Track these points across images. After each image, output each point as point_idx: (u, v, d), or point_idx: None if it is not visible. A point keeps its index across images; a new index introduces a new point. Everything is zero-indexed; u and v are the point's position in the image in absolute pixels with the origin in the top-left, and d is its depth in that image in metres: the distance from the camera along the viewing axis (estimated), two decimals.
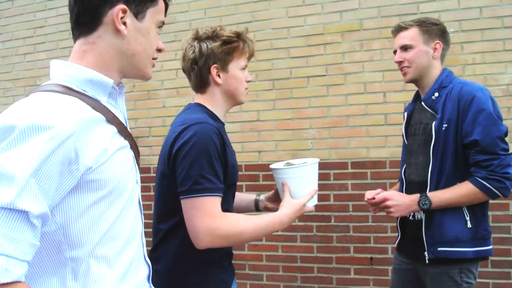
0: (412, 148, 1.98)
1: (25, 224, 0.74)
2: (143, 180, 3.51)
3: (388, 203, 1.81)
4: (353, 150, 3.05)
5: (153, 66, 1.06)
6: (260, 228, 1.46)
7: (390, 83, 2.96)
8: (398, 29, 1.94)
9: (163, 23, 1.05)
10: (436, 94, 1.87)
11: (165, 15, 1.07)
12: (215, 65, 1.51)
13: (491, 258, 2.80)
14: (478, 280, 2.80)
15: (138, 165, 1.08)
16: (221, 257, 1.53)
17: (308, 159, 1.65)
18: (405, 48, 1.91)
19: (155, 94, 3.45)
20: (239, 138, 3.23)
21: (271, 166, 1.65)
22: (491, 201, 2.70)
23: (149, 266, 1.09)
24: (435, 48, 1.90)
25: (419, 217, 1.88)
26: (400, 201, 1.83)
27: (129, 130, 1.04)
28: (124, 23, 0.95)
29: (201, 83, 1.56)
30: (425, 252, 1.81)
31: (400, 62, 1.93)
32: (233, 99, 1.60)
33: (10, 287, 0.71)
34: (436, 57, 1.92)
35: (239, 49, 1.53)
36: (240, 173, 3.11)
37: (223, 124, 1.59)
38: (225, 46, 1.51)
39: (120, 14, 0.94)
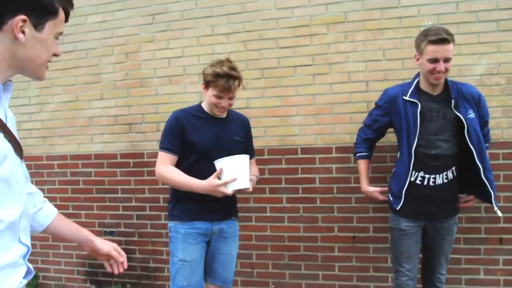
0: (431, 130, 2.45)
1: None
2: (138, 165, 3.66)
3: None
4: (337, 136, 3.17)
5: (47, 68, 1.18)
6: (182, 182, 2.31)
7: (372, 73, 3.08)
8: (444, 41, 2.33)
9: (61, 33, 1.17)
10: (454, 94, 2.45)
11: (67, 20, 1.18)
12: (203, 82, 2.42)
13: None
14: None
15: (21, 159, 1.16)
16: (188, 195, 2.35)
17: (235, 157, 2.26)
18: (447, 60, 2.34)
19: (148, 82, 3.51)
20: None
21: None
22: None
23: (27, 247, 1.19)
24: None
25: (445, 179, 2.45)
26: None
27: (9, 125, 1.12)
28: (23, 32, 1.06)
29: None
30: (494, 206, 2.47)
31: (440, 71, 2.34)
32: (210, 108, 2.44)
33: None
34: None
35: (215, 82, 2.35)
36: None
37: (210, 117, 2.43)
38: (208, 75, 2.35)
39: (20, 24, 1.05)
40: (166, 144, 2.37)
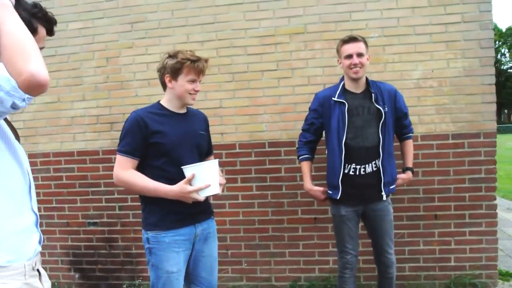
0: (357, 124, 2.72)
1: None
2: None
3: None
4: (300, 131, 3.44)
5: None
6: (148, 188, 2.16)
7: (329, 77, 3.54)
8: (354, 40, 2.72)
9: (42, 48, 1.29)
10: (374, 90, 2.74)
11: (52, 34, 1.34)
12: (167, 75, 2.24)
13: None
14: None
15: None
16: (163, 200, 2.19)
17: (206, 163, 2.20)
18: (360, 54, 2.68)
19: (128, 85, 3.81)
20: None
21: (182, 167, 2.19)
22: None
23: (36, 215, 1.36)
24: (367, 59, 2.75)
25: (375, 167, 2.73)
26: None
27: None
28: None
29: (162, 85, 2.31)
30: (382, 192, 2.76)
31: (355, 64, 2.68)
32: (180, 100, 2.27)
33: None
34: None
35: (187, 67, 2.20)
36: None
37: (173, 114, 2.28)
38: (177, 63, 2.20)
39: None
40: (126, 148, 2.18)
